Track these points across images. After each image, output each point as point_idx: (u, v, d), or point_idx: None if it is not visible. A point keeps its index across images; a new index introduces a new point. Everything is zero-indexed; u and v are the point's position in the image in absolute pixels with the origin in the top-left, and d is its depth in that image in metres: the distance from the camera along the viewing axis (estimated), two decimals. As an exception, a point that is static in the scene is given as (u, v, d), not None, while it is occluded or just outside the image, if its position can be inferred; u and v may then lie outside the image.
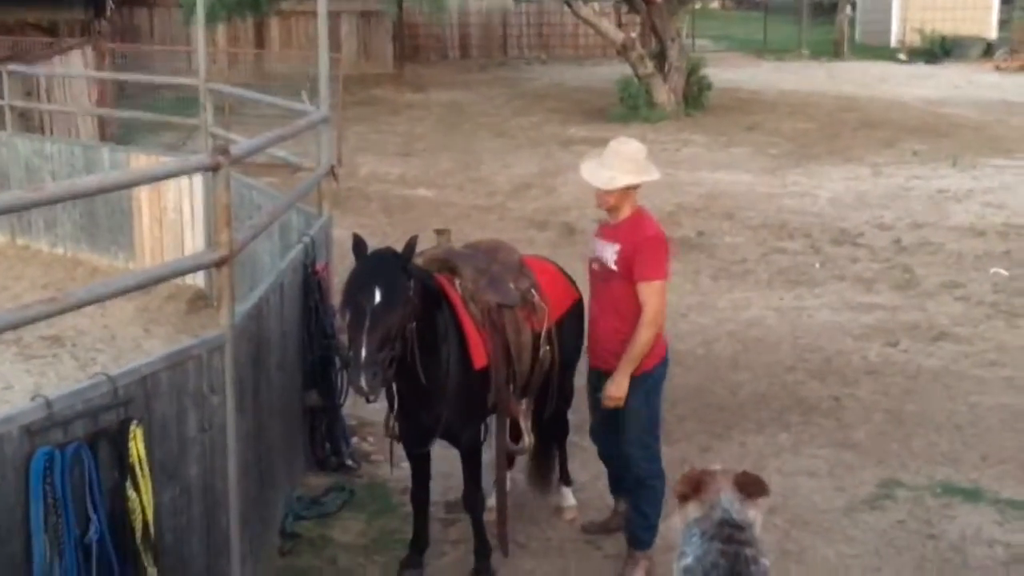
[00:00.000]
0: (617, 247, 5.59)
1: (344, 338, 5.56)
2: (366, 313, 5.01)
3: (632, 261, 5.54)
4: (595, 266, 5.76)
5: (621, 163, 5.61)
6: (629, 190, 5.61)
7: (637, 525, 5.88)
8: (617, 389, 5.59)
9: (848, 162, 17.07)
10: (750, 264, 11.96)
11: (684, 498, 3.99)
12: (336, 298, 7.87)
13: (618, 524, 6.21)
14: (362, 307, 5.03)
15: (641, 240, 5.58)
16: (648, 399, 5.76)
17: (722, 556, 3.72)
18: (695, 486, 3.97)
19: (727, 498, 3.93)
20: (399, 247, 5.29)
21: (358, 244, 5.30)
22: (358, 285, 5.13)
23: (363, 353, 4.97)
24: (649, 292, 5.54)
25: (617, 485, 6.27)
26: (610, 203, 5.64)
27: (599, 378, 5.83)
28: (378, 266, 5.15)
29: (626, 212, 5.67)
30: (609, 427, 5.92)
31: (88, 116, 16.43)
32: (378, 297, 5.02)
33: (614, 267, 5.59)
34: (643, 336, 5.53)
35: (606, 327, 5.73)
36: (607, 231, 5.75)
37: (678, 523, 4.06)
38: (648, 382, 5.73)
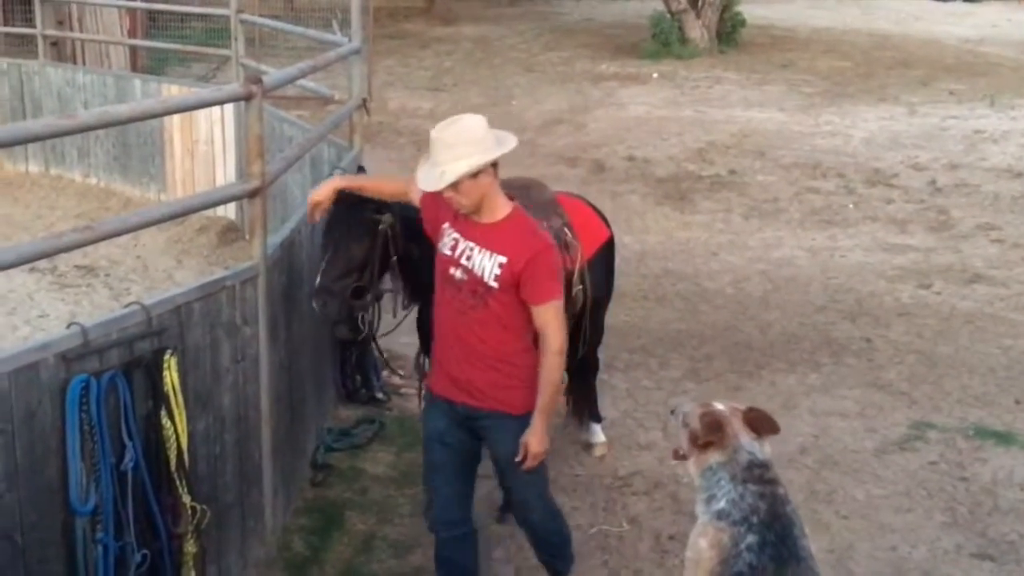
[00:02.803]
0: (502, 259, 4.42)
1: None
2: (328, 246, 5.29)
3: (522, 278, 4.42)
4: (457, 272, 4.52)
5: (448, 151, 4.34)
6: (480, 178, 4.37)
7: None
8: (540, 442, 4.47)
9: (883, 101, 16.86)
10: (782, 203, 11.86)
11: (708, 445, 3.95)
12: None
13: None
14: (326, 240, 5.33)
15: (535, 254, 4.43)
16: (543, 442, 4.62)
17: (760, 499, 3.71)
18: (717, 430, 3.94)
19: (747, 439, 3.91)
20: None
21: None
22: (327, 221, 5.34)
23: (317, 281, 5.26)
24: (551, 315, 4.46)
25: None
26: (463, 203, 4.42)
27: (444, 413, 4.71)
28: (348, 199, 5.26)
29: (499, 208, 4.49)
30: (458, 479, 4.80)
31: (120, 46, 16.37)
32: (338, 232, 5.24)
33: (494, 284, 4.44)
34: (555, 370, 4.48)
35: (468, 352, 4.56)
36: (478, 231, 4.50)
37: (693, 469, 4.03)
38: (523, 430, 4.55)
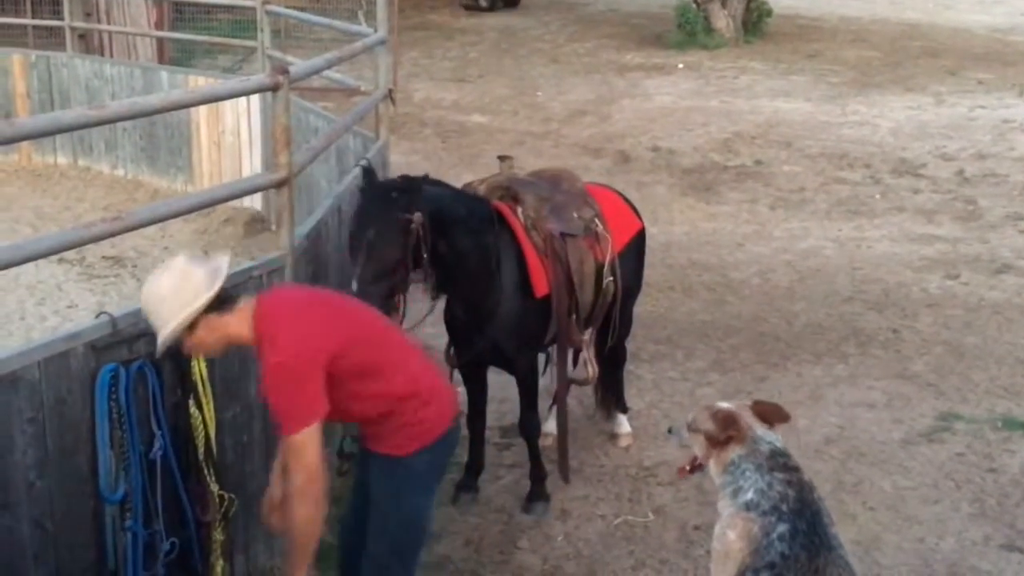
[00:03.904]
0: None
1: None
2: (361, 247, 4.98)
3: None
4: None
5: (155, 316, 3.71)
6: (197, 331, 3.73)
7: None
8: None
9: (910, 91, 16.74)
10: (808, 194, 11.81)
11: (728, 441, 3.94)
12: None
13: None
14: (358, 240, 5.01)
15: (263, 377, 3.73)
16: (400, 500, 4.04)
17: (788, 486, 3.71)
18: (733, 424, 3.94)
19: (761, 430, 3.92)
20: (454, 173, 5.26)
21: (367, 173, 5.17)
22: (355, 218, 5.11)
23: (354, 285, 4.95)
24: (288, 453, 3.76)
25: None
26: (206, 354, 4.04)
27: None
28: (375, 200, 5.07)
29: (249, 334, 3.80)
30: (358, 521, 4.29)
31: (147, 38, 16.45)
32: (371, 233, 4.98)
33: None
34: (298, 515, 3.72)
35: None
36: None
37: (714, 469, 4.02)
38: (400, 472, 4.02)
